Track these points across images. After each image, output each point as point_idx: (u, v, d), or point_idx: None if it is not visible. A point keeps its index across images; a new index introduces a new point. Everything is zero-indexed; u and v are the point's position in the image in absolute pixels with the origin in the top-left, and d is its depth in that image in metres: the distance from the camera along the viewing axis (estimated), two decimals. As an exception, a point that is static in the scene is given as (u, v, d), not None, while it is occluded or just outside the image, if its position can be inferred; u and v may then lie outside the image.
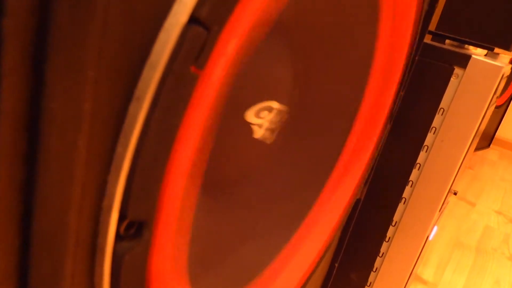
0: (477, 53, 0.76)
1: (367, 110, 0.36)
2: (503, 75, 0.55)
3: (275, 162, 0.31)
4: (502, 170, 2.19)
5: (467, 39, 0.80)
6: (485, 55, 0.85)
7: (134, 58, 0.14)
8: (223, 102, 0.19)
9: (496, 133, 2.40)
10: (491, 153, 2.42)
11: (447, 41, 0.82)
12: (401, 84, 0.38)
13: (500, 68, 0.53)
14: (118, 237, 0.15)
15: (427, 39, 0.80)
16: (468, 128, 0.57)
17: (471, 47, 0.82)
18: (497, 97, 0.66)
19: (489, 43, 0.73)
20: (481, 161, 2.25)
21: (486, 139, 2.35)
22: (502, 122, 2.35)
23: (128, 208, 0.15)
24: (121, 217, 0.15)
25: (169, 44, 0.13)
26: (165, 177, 0.16)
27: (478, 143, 2.25)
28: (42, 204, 0.13)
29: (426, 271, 1.05)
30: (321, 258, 0.39)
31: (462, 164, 0.61)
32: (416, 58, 0.42)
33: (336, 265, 0.57)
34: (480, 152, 2.39)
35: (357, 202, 0.47)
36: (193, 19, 0.14)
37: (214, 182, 0.27)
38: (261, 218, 0.30)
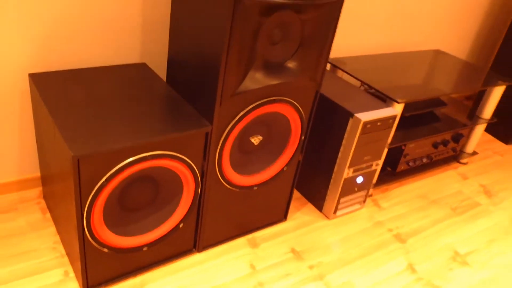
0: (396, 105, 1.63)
1: (293, 136, 1.40)
2: (363, 123, 1.47)
3: (259, 148, 1.38)
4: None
5: (392, 97, 1.66)
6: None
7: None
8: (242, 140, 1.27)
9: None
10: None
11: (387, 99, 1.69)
12: (302, 135, 1.40)
13: (360, 120, 1.46)
14: (217, 163, 1.24)
15: (340, 100, 1.67)
16: (351, 140, 1.51)
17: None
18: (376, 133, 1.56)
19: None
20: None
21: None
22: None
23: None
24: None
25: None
26: (223, 152, 1.24)
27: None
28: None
29: (384, 203, 1.83)
30: (285, 168, 1.45)
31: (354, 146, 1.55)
32: (310, 125, 1.41)
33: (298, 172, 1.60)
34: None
35: (299, 161, 1.50)
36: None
37: (243, 151, 1.34)
38: (258, 158, 1.39)
